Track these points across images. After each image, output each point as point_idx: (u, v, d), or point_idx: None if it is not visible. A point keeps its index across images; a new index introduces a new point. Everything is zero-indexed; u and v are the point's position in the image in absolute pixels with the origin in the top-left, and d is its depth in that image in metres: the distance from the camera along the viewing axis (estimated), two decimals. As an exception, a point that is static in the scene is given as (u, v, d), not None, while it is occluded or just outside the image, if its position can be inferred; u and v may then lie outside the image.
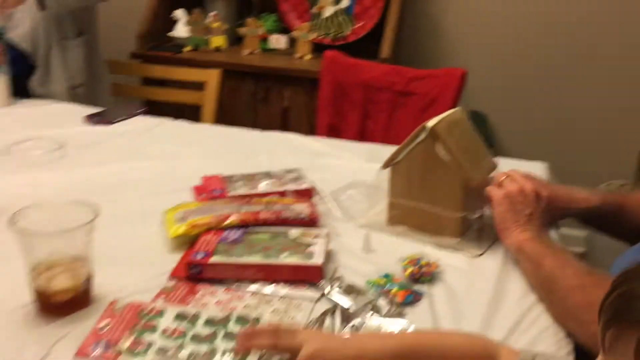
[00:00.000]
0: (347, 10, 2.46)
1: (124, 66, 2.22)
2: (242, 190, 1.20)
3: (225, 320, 0.83)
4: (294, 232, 1.02)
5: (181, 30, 2.44)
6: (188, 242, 1.01)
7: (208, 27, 2.43)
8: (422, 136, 1.06)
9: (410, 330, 0.82)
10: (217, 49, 2.44)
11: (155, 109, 2.00)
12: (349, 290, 0.91)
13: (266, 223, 1.05)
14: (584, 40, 2.50)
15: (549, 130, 2.63)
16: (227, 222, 1.03)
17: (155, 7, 2.44)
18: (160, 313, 0.84)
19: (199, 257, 0.94)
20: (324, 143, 1.57)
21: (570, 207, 1.09)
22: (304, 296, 0.91)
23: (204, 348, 0.78)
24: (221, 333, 0.81)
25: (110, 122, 1.61)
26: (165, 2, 2.46)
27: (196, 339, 0.80)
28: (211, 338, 0.80)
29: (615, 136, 2.56)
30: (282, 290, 0.92)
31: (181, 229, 1.02)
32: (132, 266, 0.97)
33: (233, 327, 0.82)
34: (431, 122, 1.05)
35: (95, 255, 0.88)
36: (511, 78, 2.63)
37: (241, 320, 0.84)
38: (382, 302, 0.89)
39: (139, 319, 0.83)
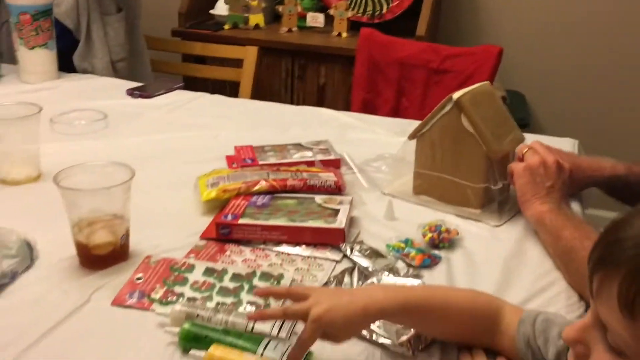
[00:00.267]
0: (384, -12, 2.47)
1: (164, 43, 2.29)
2: (272, 159, 1.24)
3: (250, 276, 0.89)
4: (320, 198, 1.07)
5: (221, 8, 2.50)
6: (219, 206, 1.07)
7: (247, 5, 2.48)
8: (448, 108, 1.08)
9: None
10: (256, 27, 2.49)
11: (195, 85, 2.07)
12: (369, 253, 0.95)
13: (293, 190, 1.10)
14: (625, 19, 2.45)
15: (585, 111, 2.59)
16: (256, 188, 1.09)
17: (196, -15, 2.50)
18: (190, 268, 0.90)
19: (228, 219, 1.00)
20: (356, 117, 1.61)
21: (595, 176, 1.10)
22: (326, 257, 0.95)
23: (230, 299, 0.84)
24: (246, 287, 0.87)
25: (150, 96, 1.68)
26: (206, -19, 2.52)
27: (223, 291, 0.86)
28: (237, 291, 0.86)
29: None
30: (306, 251, 0.96)
31: (213, 193, 1.07)
32: (167, 227, 1.04)
33: (257, 282, 0.88)
34: (457, 94, 1.07)
35: (133, 216, 0.94)
36: (550, 58, 2.60)
37: (265, 276, 0.89)
38: (400, 265, 0.93)
39: (171, 272, 0.89)
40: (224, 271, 0.90)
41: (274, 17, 2.57)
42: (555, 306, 0.85)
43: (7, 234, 0.91)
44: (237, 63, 2.14)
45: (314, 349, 0.72)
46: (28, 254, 0.92)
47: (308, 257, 0.95)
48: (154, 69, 2.19)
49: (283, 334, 0.77)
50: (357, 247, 0.96)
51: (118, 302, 0.84)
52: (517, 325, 0.74)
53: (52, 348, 0.75)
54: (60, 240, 0.94)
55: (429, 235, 0.99)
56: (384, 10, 2.46)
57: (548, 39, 2.59)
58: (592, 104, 2.60)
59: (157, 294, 0.85)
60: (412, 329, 0.76)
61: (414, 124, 1.17)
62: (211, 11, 2.52)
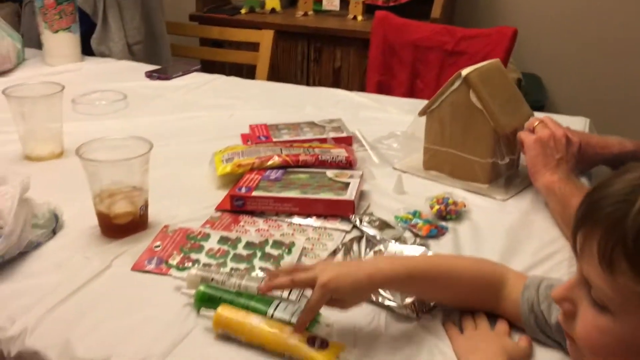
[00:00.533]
0: (399, -29, 2.48)
1: (182, 27, 2.33)
2: (286, 137, 1.28)
3: (263, 244, 0.93)
4: (331, 172, 1.10)
5: (238, -8, 2.53)
6: (233, 180, 1.11)
7: (263, -11, 2.51)
8: (457, 84, 1.10)
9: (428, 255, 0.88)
10: (272, 11, 2.51)
11: (213, 69, 2.11)
12: (378, 224, 0.98)
13: (305, 165, 1.13)
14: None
15: (602, 93, 2.59)
16: (269, 162, 1.12)
17: (214, -30, 2.53)
18: (206, 236, 0.94)
19: (242, 191, 1.03)
20: (369, 97, 1.64)
21: (604, 153, 1.12)
22: (336, 228, 0.99)
23: (243, 265, 0.88)
24: (259, 254, 0.90)
25: (169, 78, 1.72)
26: (223, -34, 2.55)
27: (236, 258, 0.90)
28: (250, 258, 0.90)
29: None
30: (317, 222, 1.00)
31: (228, 168, 1.11)
32: (184, 199, 1.08)
33: (270, 249, 0.92)
34: (466, 71, 1.10)
35: (152, 189, 0.99)
36: (566, 41, 2.59)
37: (277, 244, 0.93)
38: (408, 235, 0.96)
39: (187, 240, 0.93)
40: (238, 239, 0.94)
41: (290, 1, 2.59)
42: (558, 273, 0.87)
43: (38, 206, 0.96)
44: (254, 47, 2.18)
45: (322, 310, 0.75)
46: (54, 225, 0.96)
47: (319, 227, 0.99)
48: (173, 53, 2.23)
49: (293, 297, 0.81)
50: (366, 218, 0.99)
51: (137, 268, 0.88)
52: (521, 291, 0.77)
53: (75, 308, 0.80)
54: (82, 211, 0.99)
55: (437, 207, 1.02)
56: (400, -7, 2.47)
57: (565, 22, 2.58)
58: (608, 86, 2.59)
59: (175, 260, 0.89)
60: (417, 295, 0.79)
61: (426, 103, 1.20)
62: (228, -4, 2.55)
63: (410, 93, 2.16)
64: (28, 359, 0.73)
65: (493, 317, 0.79)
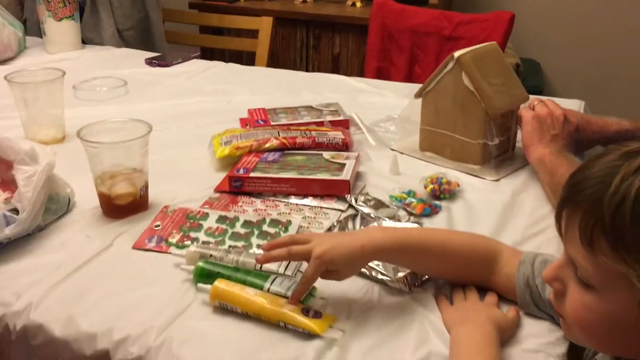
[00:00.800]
0: (397, -43, 2.48)
1: (182, 15, 2.34)
2: (284, 120, 1.30)
3: (260, 223, 0.95)
4: (327, 154, 1.12)
5: (237, -20, 2.54)
6: (232, 163, 1.13)
7: (262, -24, 2.52)
8: (450, 66, 1.12)
9: (420, 231, 0.90)
10: (271, -2, 2.52)
11: (212, 56, 2.12)
12: (374, 203, 1.00)
13: (302, 147, 1.15)
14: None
15: (600, 80, 2.59)
16: (267, 145, 1.14)
17: (213, -42, 2.54)
18: (205, 216, 0.97)
19: (240, 172, 1.06)
20: (366, 82, 1.65)
21: (603, 132, 1.15)
22: (332, 207, 1.01)
23: (241, 243, 0.90)
24: (256, 232, 0.93)
25: (169, 65, 1.74)
26: (221, -47, 2.56)
27: (234, 236, 0.92)
28: (248, 236, 0.92)
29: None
30: (313, 202, 1.02)
31: (226, 150, 1.13)
32: (184, 181, 1.10)
33: (267, 227, 0.94)
34: (459, 53, 1.11)
35: (153, 172, 1.01)
36: (565, 27, 2.60)
37: (274, 223, 0.95)
38: (402, 214, 0.98)
39: (187, 220, 0.96)
40: (236, 218, 0.96)
41: (289, -12, 2.60)
42: (549, 249, 0.89)
43: (60, 187, 0.97)
44: (254, 34, 2.19)
45: (317, 284, 0.78)
46: (64, 210, 0.99)
47: (315, 207, 1.01)
48: (173, 40, 2.24)
49: (289, 272, 0.83)
50: (361, 197, 1.02)
51: (138, 246, 0.91)
52: (517, 266, 0.79)
53: (78, 284, 0.82)
54: (84, 193, 1.01)
55: (431, 186, 1.04)
56: (398, -21, 2.48)
57: (563, 8, 2.59)
58: (607, 72, 2.60)
59: (174, 239, 0.91)
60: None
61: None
62: (227, -17, 2.56)
63: (409, 79, 2.17)
64: (33, 332, 0.76)
65: (482, 290, 0.81)
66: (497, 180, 1.11)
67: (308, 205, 1.02)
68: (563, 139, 1.07)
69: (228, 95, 1.53)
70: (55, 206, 0.97)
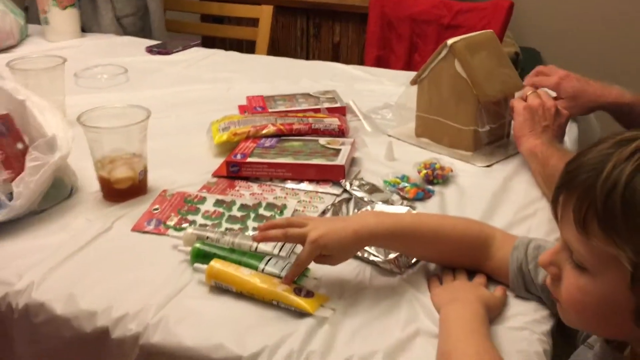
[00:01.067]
0: (397, -54, 2.48)
1: (182, 3, 2.35)
2: (282, 108, 1.32)
3: (256, 206, 0.97)
4: (323, 139, 1.14)
5: (237, -32, 2.54)
6: (230, 148, 1.15)
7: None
8: (444, 53, 1.14)
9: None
10: (272, -14, 2.53)
11: (213, 45, 2.14)
12: (368, 188, 1.02)
13: (299, 133, 1.17)
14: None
15: (601, 69, 2.60)
16: (264, 131, 1.16)
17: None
18: (202, 200, 0.99)
19: (237, 157, 1.08)
20: (364, 70, 1.67)
21: (599, 101, 1.17)
22: (327, 191, 1.03)
23: (237, 225, 0.93)
24: (252, 215, 0.95)
25: (169, 53, 1.76)
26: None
27: (231, 219, 0.94)
28: (244, 219, 0.94)
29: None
30: (309, 186, 1.04)
31: (224, 136, 1.16)
32: (182, 167, 1.12)
33: (263, 211, 0.96)
34: (452, 40, 1.13)
35: (152, 157, 1.03)
36: (566, 16, 2.60)
37: (270, 206, 0.97)
38: (396, 198, 1.00)
39: (185, 203, 0.98)
40: (233, 202, 0.98)
41: (289, -23, 2.61)
42: (538, 232, 0.91)
43: (67, 174, 1.00)
44: (254, 22, 2.20)
45: (311, 266, 0.80)
46: (65, 196, 1.01)
47: (311, 191, 1.03)
48: (174, 29, 2.26)
49: (283, 254, 0.85)
50: (356, 182, 1.04)
51: (137, 229, 0.93)
52: (510, 251, 0.80)
53: (78, 265, 0.85)
54: (85, 178, 1.04)
55: (424, 171, 1.06)
56: (398, -33, 2.48)
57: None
58: (607, 62, 2.60)
59: (172, 222, 0.94)
60: (401, 251, 0.83)
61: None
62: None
63: (408, 67, 2.18)
64: (34, 310, 0.78)
65: (472, 272, 0.83)
66: (488, 166, 1.12)
67: (304, 190, 1.04)
68: (554, 130, 1.09)
69: (227, 83, 1.55)
70: (56, 192, 0.99)
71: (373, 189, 1.02)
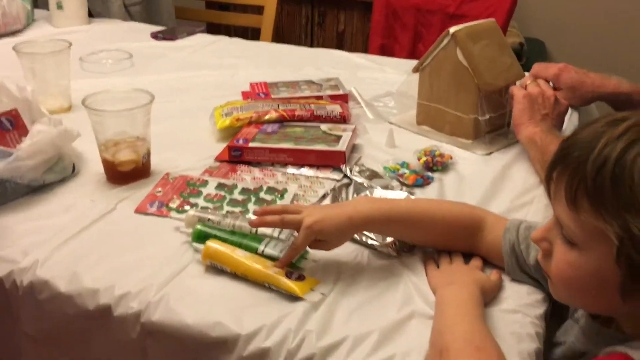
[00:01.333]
0: None
1: (188, -10, 2.36)
2: (284, 94, 1.33)
3: (257, 190, 0.99)
4: (325, 126, 1.15)
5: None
6: (233, 133, 1.16)
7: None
8: (446, 41, 1.15)
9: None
10: (277, -25, 2.53)
11: (218, 32, 2.13)
12: (368, 173, 1.04)
13: (301, 119, 1.18)
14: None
15: (606, 60, 2.59)
16: (267, 117, 1.18)
17: None
18: (204, 183, 1.01)
19: (240, 142, 1.09)
20: (367, 58, 1.68)
21: (598, 91, 1.18)
22: (328, 177, 1.04)
23: (238, 208, 0.94)
24: (253, 199, 0.97)
25: (174, 39, 1.77)
26: None
27: (232, 202, 0.96)
28: (245, 202, 0.96)
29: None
30: (309, 171, 1.06)
31: (227, 121, 1.17)
32: (185, 151, 1.14)
33: (264, 195, 0.98)
34: (454, 28, 1.14)
35: (156, 141, 1.05)
36: (571, 7, 2.59)
37: (270, 190, 0.99)
38: (395, 184, 1.02)
39: (187, 186, 1.00)
40: (234, 186, 1.00)
41: (295, -35, 2.61)
42: (537, 217, 0.92)
43: (67, 154, 1.01)
44: (259, 10, 2.21)
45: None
46: (68, 174, 1.03)
47: (311, 176, 1.05)
48: (180, 16, 2.27)
49: (283, 236, 0.87)
50: (356, 168, 1.05)
51: (140, 210, 0.95)
52: (502, 233, 0.82)
53: (82, 244, 0.87)
54: (89, 161, 1.06)
55: (424, 158, 1.07)
56: (404, -44, 2.48)
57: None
58: (612, 53, 2.59)
59: (175, 204, 0.95)
60: (399, 235, 0.85)
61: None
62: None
63: (413, 56, 2.18)
64: (39, 288, 0.80)
65: (468, 255, 0.84)
66: (488, 154, 1.13)
67: (304, 175, 1.05)
68: (553, 119, 1.10)
69: (232, 69, 1.56)
70: (60, 168, 1.00)
71: (373, 175, 1.04)
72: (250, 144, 1.08)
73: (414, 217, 0.83)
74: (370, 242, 0.86)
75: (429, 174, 1.05)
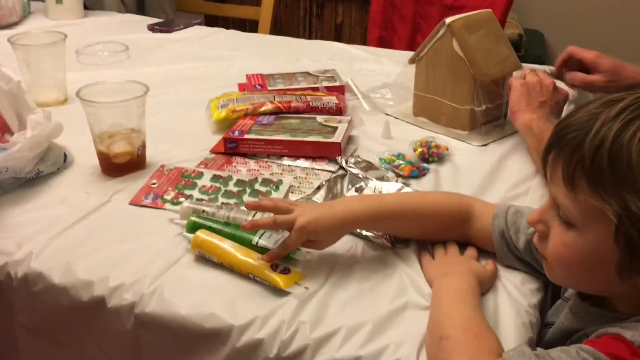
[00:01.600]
0: None
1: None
2: (281, 86, 1.32)
3: (252, 182, 0.98)
4: (321, 117, 1.15)
5: (241, -53, 2.54)
6: (228, 125, 1.16)
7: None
8: (441, 32, 1.14)
9: (405, 190, 0.93)
10: (275, -34, 2.52)
11: (216, 24, 2.13)
12: (364, 165, 1.03)
13: (297, 111, 1.18)
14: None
15: (605, 51, 2.58)
16: (262, 109, 1.17)
17: None
18: (199, 175, 1.00)
19: (235, 134, 1.09)
20: (364, 50, 1.67)
21: (638, 78, 1.15)
22: (323, 168, 1.04)
23: (233, 200, 0.94)
24: (248, 190, 0.96)
25: (170, 31, 1.76)
26: None
27: (227, 194, 0.96)
28: (240, 194, 0.96)
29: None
30: (305, 163, 1.05)
31: (222, 113, 1.17)
32: (181, 143, 1.13)
33: (259, 186, 0.97)
34: (450, 19, 1.13)
35: (151, 133, 1.05)
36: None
37: (265, 182, 0.98)
38: (391, 175, 1.02)
39: (182, 178, 1.00)
40: (229, 177, 0.99)
41: (293, -44, 2.60)
42: (532, 206, 0.92)
43: (56, 146, 1.02)
44: (257, 2, 2.20)
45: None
46: (61, 164, 1.02)
47: (307, 168, 1.04)
48: (177, 7, 2.26)
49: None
50: (352, 159, 1.05)
51: (135, 202, 0.94)
52: (491, 220, 0.82)
53: (76, 236, 0.87)
54: (84, 152, 1.05)
55: (420, 149, 1.07)
56: (402, -53, 2.46)
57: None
58: (611, 45, 2.58)
59: (169, 196, 0.95)
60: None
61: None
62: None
63: (411, 47, 2.18)
64: (33, 279, 0.80)
65: (462, 246, 0.84)
66: (484, 145, 1.13)
67: (300, 167, 1.05)
68: (551, 106, 1.09)
69: (228, 61, 1.56)
70: (50, 157, 1.00)
71: (368, 166, 1.03)
72: (246, 136, 1.08)
73: (402, 211, 0.83)
74: (365, 233, 0.85)
75: (425, 165, 1.05)
